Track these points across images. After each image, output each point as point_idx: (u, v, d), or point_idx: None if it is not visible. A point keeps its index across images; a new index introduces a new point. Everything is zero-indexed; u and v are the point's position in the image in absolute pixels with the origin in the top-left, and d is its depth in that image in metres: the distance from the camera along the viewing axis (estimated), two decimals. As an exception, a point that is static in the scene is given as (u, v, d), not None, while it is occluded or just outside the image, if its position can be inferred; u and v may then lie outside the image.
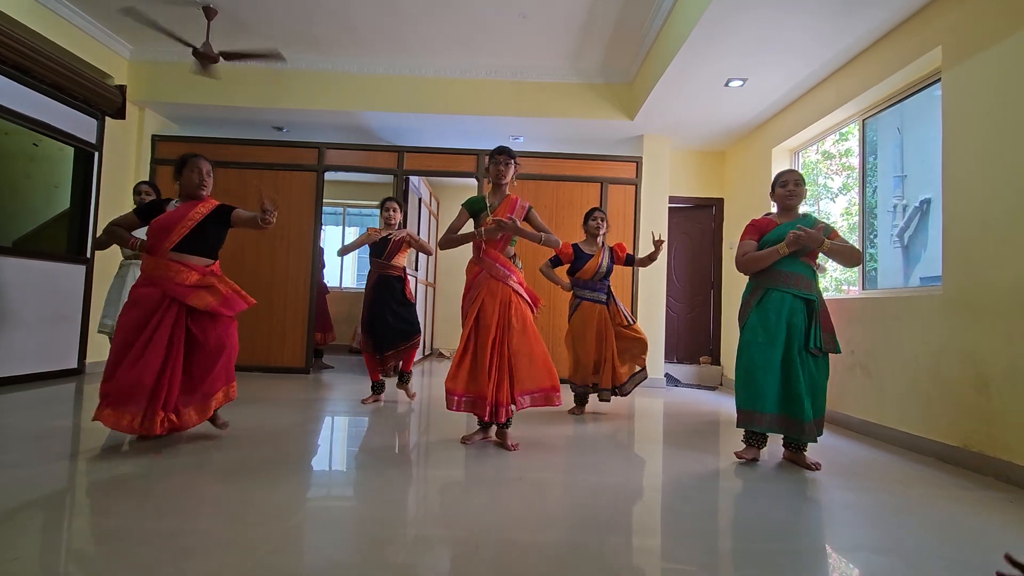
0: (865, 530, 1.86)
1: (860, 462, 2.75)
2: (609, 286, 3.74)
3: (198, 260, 2.48)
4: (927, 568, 1.56)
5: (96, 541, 1.53)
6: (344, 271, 8.67)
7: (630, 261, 3.79)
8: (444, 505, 1.93)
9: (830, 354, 2.56)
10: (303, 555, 1.49)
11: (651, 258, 3.72)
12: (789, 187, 2.62)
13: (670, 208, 5.65)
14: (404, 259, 3.83)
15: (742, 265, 2.63)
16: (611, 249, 3.77)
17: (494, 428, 2.72)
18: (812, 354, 2.49)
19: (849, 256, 2.50)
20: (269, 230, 2.51)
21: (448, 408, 2.58)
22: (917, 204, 4.21)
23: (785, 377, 2.47)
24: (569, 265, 3.70)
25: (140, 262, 3.59)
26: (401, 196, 5.42)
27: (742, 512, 2.02)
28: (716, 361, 5.91)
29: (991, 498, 2.22)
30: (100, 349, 4.84)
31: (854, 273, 4.04)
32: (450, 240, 2.70)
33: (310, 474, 2.24)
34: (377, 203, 8.67)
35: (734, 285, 5.58)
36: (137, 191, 3.78)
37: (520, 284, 2.71)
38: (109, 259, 4.90)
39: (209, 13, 4.07)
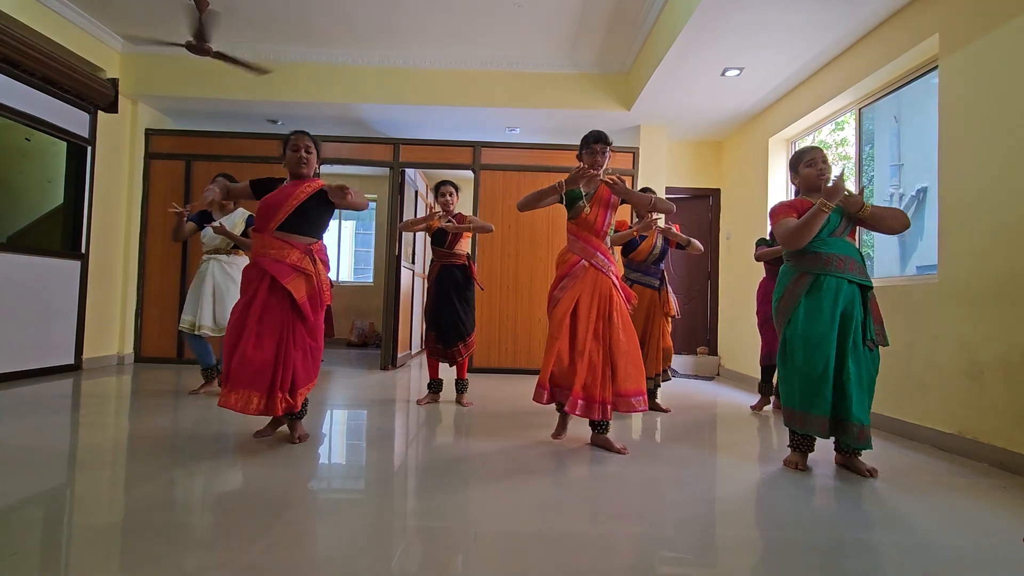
0: (859, 517, 1.87)
1: (856, 450, 2.77)
2: (663, 271, 3.59)
3: (301, 239, 2.46)
4: (921, 554, 1.58)
5: (95, 535, 1.54)
6: (341, 265, 8.66)
7: (687, 245, 3.54)
8: (443, 497, 1.94)
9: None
10: (303, 547, 1.50)
11: (678, 243, 3.49)
12: (818, 165, 2.35)
13: (667, 199, 5.63)
14: (467, 244, 3.61)
15: (790, 237, 2.26)
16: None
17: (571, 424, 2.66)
18: (868, 347, 2.26)
19: (895, 219, 2.23)
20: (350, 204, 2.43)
21: (535, 400, 2.51)
22: (914, 193, 4.21)
23: (838, 375, 2.23)
24: (623, 248, 3.56)
25: (220, 257, 3.63)
26: (397, 189, 5.40)
27: (738, 501, 2.04)
28: (713, 351, 5.94)
29: (985, 484, 2.24)
30: (97, 345, 4.83)
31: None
32: (529, 201, 2.61)
33: (312, 468, 2.25)
34: (373, 196, 8.63)
35: (731, 275, 5.59)
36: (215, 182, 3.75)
37: (617, 277, 2.60)
38: (104, 255, 4.88)
39: (201, 5, 4.02)
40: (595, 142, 2.58)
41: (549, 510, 1.82)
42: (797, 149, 2.51)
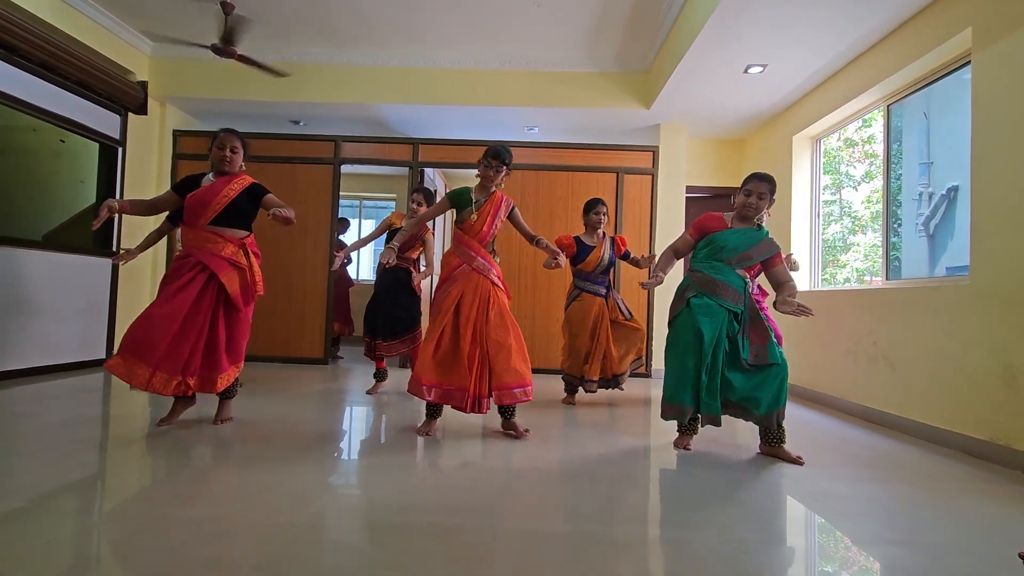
0: (888, 523, 1.83)
1: (882, 455, 2.71)
2: (609, 280, 3.74)
3: (233, 232, 2.58)
4: (951, 562, 1.53)
5: (124, 526, 1.58)
6: (360, 265, 8.75)
7: (626, 256, 3.74)
8: (461, 493, 1.95)
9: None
10: (323, 542, 1.53)
11: (638, 265, 3.68)
12: (751, 197, 2.49)
13: (687, 198, 5.57)
14: (417, 253, 3.85)
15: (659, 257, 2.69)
16: (612, 240, 3.73)
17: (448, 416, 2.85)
18: (746, 364, 2.42)
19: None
20: (286, 228, 2.63)
21: (420, 397, 2.59)
22: (944, 192, 4.09)
23: (709, 386, 2.42)
24: (571, 258, 3.68)
25: None
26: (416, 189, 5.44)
27: (760, 503, 2.00)
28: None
29: (1019, 492, 2.17)
30: (126, 340, 4.97)
31: (876, 263, 3.95)
32: (416, 224, 2.96)
33: (330, 462, 2.28)
34: (392, 195, 8.73)
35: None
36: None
37: (499, 277, 2.75)
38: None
39: (227, 7, 4.11)
40: (492, 157, 2.71)
41: (567, 509, 1.82)
42: (756, 172, 2.61)
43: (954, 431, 2.83)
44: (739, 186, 2.58)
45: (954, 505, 2.01)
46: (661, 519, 1.84)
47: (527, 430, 2.73)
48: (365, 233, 8.78)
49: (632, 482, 2.16)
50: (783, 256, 2.63)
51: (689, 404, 2.48)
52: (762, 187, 2.49)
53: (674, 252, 2.68)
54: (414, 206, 3.71)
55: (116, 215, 2.47)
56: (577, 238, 3.67)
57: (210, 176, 2.63)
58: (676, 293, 2.64)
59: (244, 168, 2.69)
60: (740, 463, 2.46)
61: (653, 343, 5.27)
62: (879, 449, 2.83)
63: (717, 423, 2.47)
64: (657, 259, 2.74)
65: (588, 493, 2.00)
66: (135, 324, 2.39)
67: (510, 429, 2.73)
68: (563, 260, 3.38)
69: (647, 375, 5.22)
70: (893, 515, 1.91)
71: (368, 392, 3.82)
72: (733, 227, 2.55)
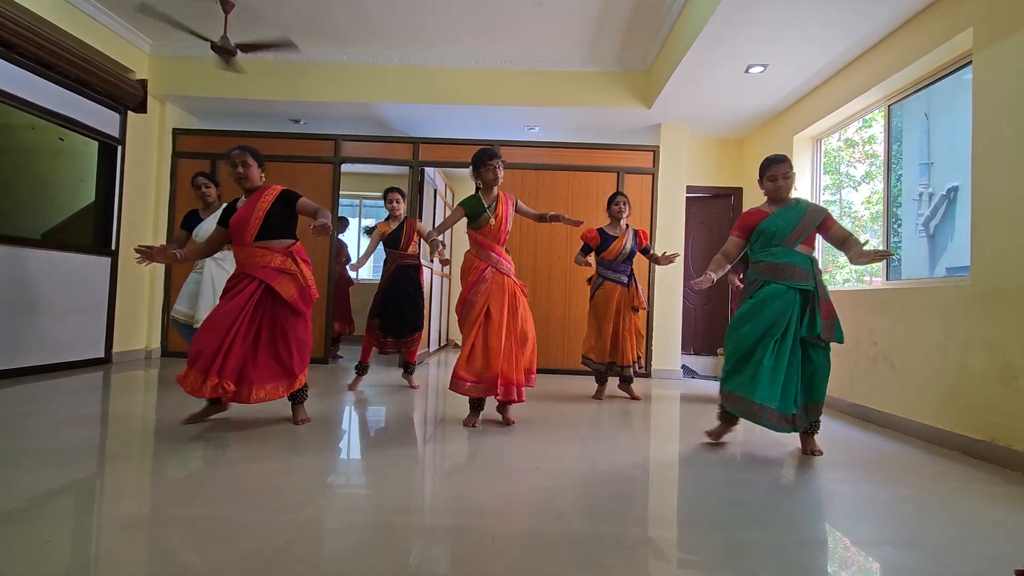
0: (888, 524, 1.83)
1: (883, 455, 2.71)
2: (631, 270, 3.95)
3: (279, 242, 2.66)
4: (952, 563, 1.53)
5: (123, 526, 1.58)
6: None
7: (646, 251, 3.97)
8: (462, 494, 1.95)
9: (835, 344, 2.54)
10: (323, 542, 1.52)
11: (656, 261, 3.82)
12: (778, 181, 2.57)
13: (688, 198, 5.57)
14: (417, 247, 4.03)
15: (711, 263, 2.69)
16: (636, 232, 3.96)
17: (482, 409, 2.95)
18: (813, 343, 2.48)
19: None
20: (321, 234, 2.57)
21: (456, 391, 2.79)
22: (944, 192, 4.09)
23: (775, 368, 2.43)
24: (595, 248, 3.93)
25: (218, 256, 3.69)
26: (416, 187, 5.44)
27: (761, 504, 2.00)
28: (734, 352, 5.86)
29: (1019, 493, 2.17)
30: (127, 339, 4.97)
31: (876, 264, 3.95)
32: (440, 228, 2.95)
33: (330, 462, 2.28)
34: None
35: (753, 276, 5.49)
36: (196, 185, 3.74)
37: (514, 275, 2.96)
38: (133, 252, 5.00)
39: (226, 6, 4.10)
40: (492, 158, 2.85)
41: (567, 510, 1.81)
42: (767, 157, 2.67)
43: (954, 432, 2.83)
44: (758, 178, 2.66)
45: (954, 506, 2.01)
46: (663, 520, 1.83)
47: (513, 420, 2.96)
48: (365, 229, 8.80)
49: (633, 482, 2.16)
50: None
51: (761, 401, 2.45)
52: (784, 167, 2.57)
53: (724, 256, 2.69)
54: (395, 204, 3.92)
55: (172, 259, 2.63)
56: (601, 229, 3.91)
57: (243, 198, 2.72)
58: (744, 287, 2.69)
59: (264, 179, 2.74)
60: (742, 464, 2.46)
61: (653, 343, 5.28)
62: (879, 450, 2.83)
63: (779, 425, 2.39)
64: (714, 259, 2.76)
65: (589, 494, 2.00)
66: (195, 337, 2.52)
67: (503, 414, 2.96)
68: (591, 259, 3.63)
69: (647, 375, 5.22)
70: (893, 516, 1.91)
71: (350, 387, 3.90)
72: (772, 211, 2.60)
